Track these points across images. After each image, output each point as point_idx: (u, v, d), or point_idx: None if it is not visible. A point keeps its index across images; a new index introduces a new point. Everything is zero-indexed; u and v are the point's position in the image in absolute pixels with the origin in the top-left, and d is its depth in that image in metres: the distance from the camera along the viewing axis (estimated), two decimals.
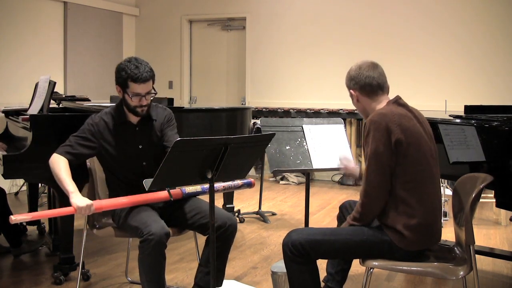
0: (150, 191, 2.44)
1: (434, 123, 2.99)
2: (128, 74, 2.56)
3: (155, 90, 2.66)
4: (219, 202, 4.77)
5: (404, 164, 2.17)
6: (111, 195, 2.77)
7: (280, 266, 2.70)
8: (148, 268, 2.39)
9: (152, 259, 2.37)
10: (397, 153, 2.16)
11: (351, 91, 2.38)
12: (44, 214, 2.61)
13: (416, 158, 2.19)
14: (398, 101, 2.31)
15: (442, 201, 4.44)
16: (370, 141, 2.18)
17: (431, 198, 2.23)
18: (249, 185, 2.89)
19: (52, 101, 3.72)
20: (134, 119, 2.73)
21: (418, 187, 2.20)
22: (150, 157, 2.73)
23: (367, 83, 2.32)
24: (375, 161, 2.17)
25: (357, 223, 2.28)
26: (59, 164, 2.56)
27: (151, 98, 2.67)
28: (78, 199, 2.43)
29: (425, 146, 2.24)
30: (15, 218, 2.26)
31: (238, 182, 2.83)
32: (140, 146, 2.73)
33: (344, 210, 2.64)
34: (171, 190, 2.62)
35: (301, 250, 2.22)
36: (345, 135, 3.05)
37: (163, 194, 2.60)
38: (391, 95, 2.37)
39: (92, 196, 2.82)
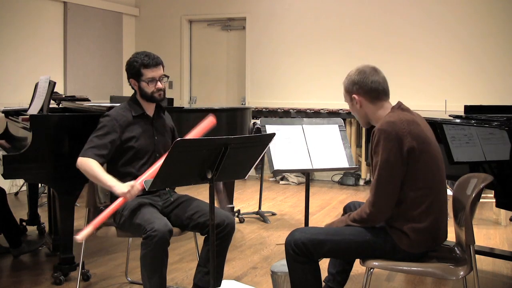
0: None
1: (434, 123, 2.99)
2: (139, 63, 2.76)
3: (167, 75, 2.87)
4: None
5: (417, 170, 2.14)
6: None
7: (280, 266, 2.69)
8: (150, 265, 2.39)
9: (155, 255, 2.38)
10: (409, 161, 2.13)
11: (354, 96, 2.30)
12: (103, 216, 2.49)
13: (428, 164, 2.16)
14: (401, 107, 2.28)
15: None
16: (381, 150, 2.13)
17: (440, 202, 2.22)
18: None
19: (52, 101, 3.72)
20: (150, 111, 2.87)
21: (430, 193, 2.17)
22: (162, 148, 2.85)
23: (373, 88, 2.26)
24: (386, 171, 2.13)
25: (356, 225, 2.27)
26: (91, 165, 2.61)
27: (166, 82, 2.86)
28: (121, 188, 2.49)
29: (435, 150, 2.22)
30: (81, 237, 2.34)
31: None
32: (156, 138, 2.85)
33: (349, 211, 2.61)
34: None
35: (303, 250, 2.21)
36: (339, 136, 3.04)
37: None
38: (391, 94, 2.35)
39: (92, 197, 2.82)
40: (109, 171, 2.83)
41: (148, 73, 2.76)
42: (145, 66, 2.75)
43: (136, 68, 2.77)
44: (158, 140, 2.85)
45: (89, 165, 2.61)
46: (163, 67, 2.84)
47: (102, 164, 2.68)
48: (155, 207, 2.70)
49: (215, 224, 2.51)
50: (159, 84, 2.80)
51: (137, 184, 2.51)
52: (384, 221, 2.26)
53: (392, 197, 2.16)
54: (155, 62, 2.78)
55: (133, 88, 2.86)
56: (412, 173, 2.15)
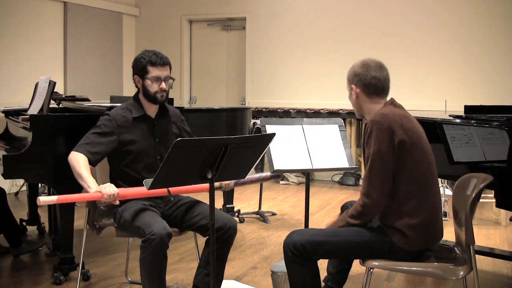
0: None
1: (434, 123, 2.99)
2: (147, 60, 2.71)
3: (172, 77, 2.80)
4: (219, 201, 4.77)
5: (406, 164, 2.16)
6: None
7: (280, 266, 2.69)
8: (149, 268, 2.39)
9: (154, 258, 2.37)
10: (400, 154, 2.15)
11: (352, 86, 2.34)
12: (72, 197, 2.52)
13: (419, 158, 2.18)
14: (394, 103, 2.31)
15: (442, 201, 4.46)
16: (373, 141, 2.16)
17: (432, 197, 2.23)
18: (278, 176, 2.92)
19: (52, 101, 3.72)
20: (152, 112, 2.81)
21: (420, 187, 2.19)
22: (164, 151, 2.77)
23: (372, 84, 2.29)
24: (378, 162, 2.15)
25: (354, 221, 2.27)
26: (79, 162, 2.56)
27: (170, 84, 2.79)
28: (101, 186, 2.42)
29: (426, 145, 2.25)
30: (43, 200, 2.27)
31: (267, 174, 2.84)
32: (157, 139, 2.79)
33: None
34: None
35: (302, 251, 2.22)
36: (339, 136, 3.04)
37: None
38: (391, 94, 2.36)
39: None
40: (111, 171, 2.83)
41: (154, 71, 2.71)
42: (152, 63, 2.70)
43: (142, 65, 2.71)
44: (160, 142, 2.80)
45: (78, 161, 2.56)
46: (170, 68, 2.78)
47: (94, 163, 2.64)
48: (156, 210, 2.69)
49: (217, 227, 2.51)
50: (163, 84, 2.72)
51: (117, 192, 2.41)
52: (379, 215, 2.27)
53: (385, 187, 2.18)
54: (163, 61, 2.72)
55: (136, 86, 2.82)
56: (403, 166, 2.17)
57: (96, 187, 2.46)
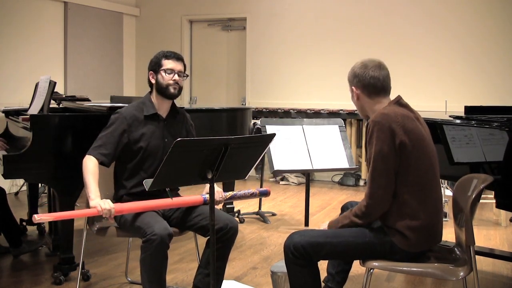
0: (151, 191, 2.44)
1: (435, 124, 2.99)
2: (161, 54, 2.79)
3: (186, 74, 2.84)
4: None
5: (408, 166, 2.16)
6: (119, 192, 2.78)
7: (280, 266, 2.70)
8: (150, 268, 2.39)
9: (154, 259, 2.38)
10: (401, 155, 2.15)
11: (352, 87, 2.34)
12: (66, 214, 2.58)
13: (420, 160, 2.17)
14: (399, 101, 2.29)
15: (442, 201, 4.45)
16: (374, 142, 2.16)
17: (434, 199, 2.23)
18: (265, 194, 2.94)
19: (52, 101, 3.72)
20: (163, 111, 2.82)
21: (421, 189, 2.18)
22: None
23: (371, 84, 2.29)
24: (380, 162, 2.15)
25: (358, 220, 2.27)
26: (88, 168, 2.59)
27: (184, 80, 2.82)
28: (97, 203, 2.46)
29: (428, 147, 2.23)
30: (39, 218, 2.29)
31: (255, 191, 2.86)
32: (166, 140, 2.80)
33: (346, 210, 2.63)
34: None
35: (302, 252, 2.21)
36: (339, 136, 3.05)
37: (181, 201, 2.66)
38: (392, 95, 2.36)
39: None
40: (116, 168, 2.84)
41: (168, 64, 2.76)
42: (166, 57, 2.77)
43: (157, 59, 2.78)
44: (169, 142, 2.77)
45: (87, 166, 2.59)
46: (184, 66, 2.84)
47: (107, 164, 2.67)
48: (157, 210, 2.68)
49: (218, 228, 2.51)
50: (176, 76, 2.76)
51: (114, 209, 2.45)
52: (381, 216, 2.26)
53: (388, 187, 2.17)
54: (177, 56, 2.80)
55: (149, 85, 2.84)
56: (404, 169, 2.16)
57: (96, 198, 2.49)
